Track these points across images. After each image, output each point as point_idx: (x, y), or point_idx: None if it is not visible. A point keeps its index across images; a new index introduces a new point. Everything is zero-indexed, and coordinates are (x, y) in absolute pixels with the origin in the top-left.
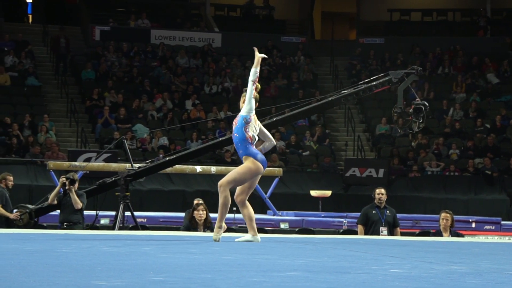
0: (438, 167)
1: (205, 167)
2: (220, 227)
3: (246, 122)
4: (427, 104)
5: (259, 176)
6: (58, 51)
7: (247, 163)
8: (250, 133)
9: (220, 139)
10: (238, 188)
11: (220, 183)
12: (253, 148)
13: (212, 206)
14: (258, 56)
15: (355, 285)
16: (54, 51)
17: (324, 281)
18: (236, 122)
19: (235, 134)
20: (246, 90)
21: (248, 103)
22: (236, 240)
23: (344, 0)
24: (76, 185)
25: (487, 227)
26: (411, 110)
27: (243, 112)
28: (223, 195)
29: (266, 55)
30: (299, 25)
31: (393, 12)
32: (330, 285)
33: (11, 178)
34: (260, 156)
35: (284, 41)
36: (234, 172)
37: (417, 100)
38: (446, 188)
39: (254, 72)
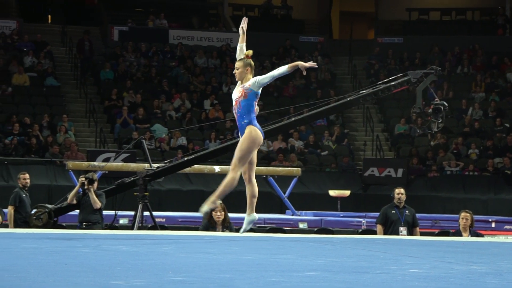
0: (457, 167)
1: (223, 167)
2: (214, 202)
3: (257, 96)
4: (446, 104)
5: (256, 150)
6: (83, 54)
7: (247, 132)
8: (256, 107)
9: (239, 139)
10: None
11: (232, 165)
12: (256, 121)
13: (230, 206)
14: (303, 64)
15: (374, 285)
16: (80, 53)
17: (343, 281)
18: (246, 95)
19: (241, 105)
20: (242, 60)
21: (262, 82)
22: (241, 232)
23: (362, 0)
24: (95, 184)
25: (507, 226)
26: (430, 110)
27: (254, 87)
28: (230, 176)
29: (284, 55)
30: (317, 24)
31: (412, 11)
32: (349, 285)
33: (26, 176)
34: (259, 126)
35: (302, 41)
36: (238, 148)
37: (436, 100)
38: (465, 188)
39: (284, 71)
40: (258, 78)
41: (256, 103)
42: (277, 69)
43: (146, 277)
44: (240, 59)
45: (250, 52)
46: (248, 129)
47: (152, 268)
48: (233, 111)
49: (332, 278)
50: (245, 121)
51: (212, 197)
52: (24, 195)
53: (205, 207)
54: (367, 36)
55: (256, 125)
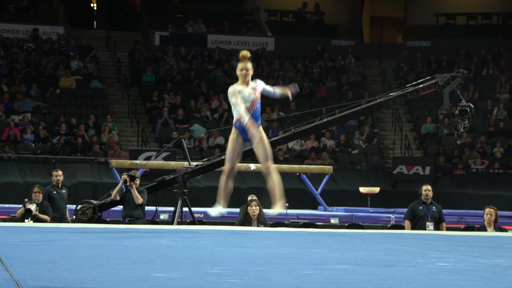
0: (483, 165)
1: (258, 165)
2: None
3: None
4: (472, 106)
5: None
6: (133, 64)
7: (264, 134)
8: None
9: (274, 138)
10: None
11: (269, 167)
12: None
13: (265, 202)
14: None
15: (402, 277)
16: (131, 63)
17: (372, 274)
18: (259, 98)
19: (259, 107)
20: (249, 61)
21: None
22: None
23: (392, 5)
24: (138, 181)
25: None
26: (457, 112)
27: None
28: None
29: (317, 58)
30: (349, 29)
31: (439, 16)
32: (378, 278)
33: (58, 173)
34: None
35: (334, 45)
36: (267, 150)
37: (463, 102)
38: (490, 185)
39: (275, 93)
40: (263, 84)
41: None
42: (274, 88)
43: (184, 270)
44: (246, 61)
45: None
46: (260, 130)
47: (190, 261)
48: (245, 111)
49: (362, 271)
50: (259, 121)
51: (280, 200)
52: (55, 192)
53: (279, 210)
54: (396, 40)
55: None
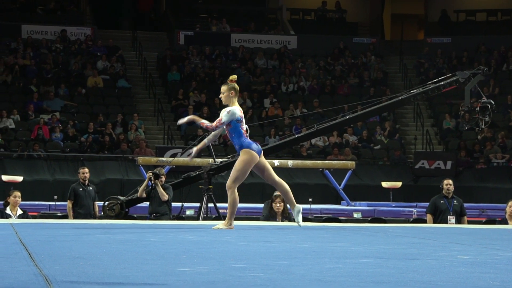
0: (504, 159)
1: (282, 161)
2: (230, 224)
3: (239, 121)
4: (493, 103)
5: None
6: (165, 65)
7: (241, 156)
8: (244, 128)
9: (297, 135)
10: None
11: (227, 185)
12: (248, 140)
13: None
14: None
15: (424, 270)
16: (163, 65)
17: (394, 267)
18: (230, 124)
19: (229, 132)
20: (226, 84)
21: (223, 121)
22: (299, 224)
23: (413, 2)
24: (163, 178)
25: None
26: (477, 108)
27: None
28: (232, 197)
29: (339, 55)
30: (370, 26)
31: (459, 12)
32: (400, 271)
33: (85, 170)
34: (255, 146)
35: (356, 42)
36: (235, 170)
37: (484, 99)
38: (511, 178)
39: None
40: (223, 116)
41: (242, 126)
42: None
43: (209, 264)
44: (225, 83)
45: (235, 77)
46: (242, 153)
47: (215, 255)
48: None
49: (384, 264)
50: (237, 146)
51: (227, 220)
52: (80, 189)
53: (223, 228)
54: (417, 37)
55: (248, 146)
